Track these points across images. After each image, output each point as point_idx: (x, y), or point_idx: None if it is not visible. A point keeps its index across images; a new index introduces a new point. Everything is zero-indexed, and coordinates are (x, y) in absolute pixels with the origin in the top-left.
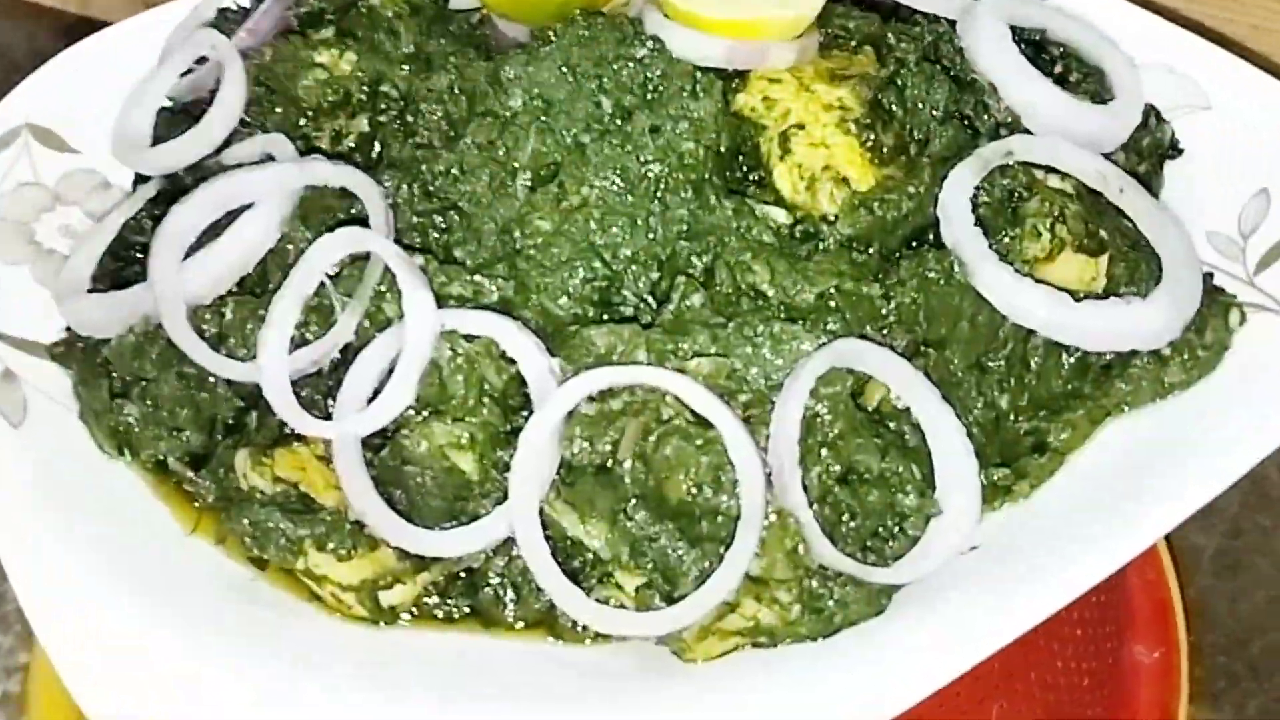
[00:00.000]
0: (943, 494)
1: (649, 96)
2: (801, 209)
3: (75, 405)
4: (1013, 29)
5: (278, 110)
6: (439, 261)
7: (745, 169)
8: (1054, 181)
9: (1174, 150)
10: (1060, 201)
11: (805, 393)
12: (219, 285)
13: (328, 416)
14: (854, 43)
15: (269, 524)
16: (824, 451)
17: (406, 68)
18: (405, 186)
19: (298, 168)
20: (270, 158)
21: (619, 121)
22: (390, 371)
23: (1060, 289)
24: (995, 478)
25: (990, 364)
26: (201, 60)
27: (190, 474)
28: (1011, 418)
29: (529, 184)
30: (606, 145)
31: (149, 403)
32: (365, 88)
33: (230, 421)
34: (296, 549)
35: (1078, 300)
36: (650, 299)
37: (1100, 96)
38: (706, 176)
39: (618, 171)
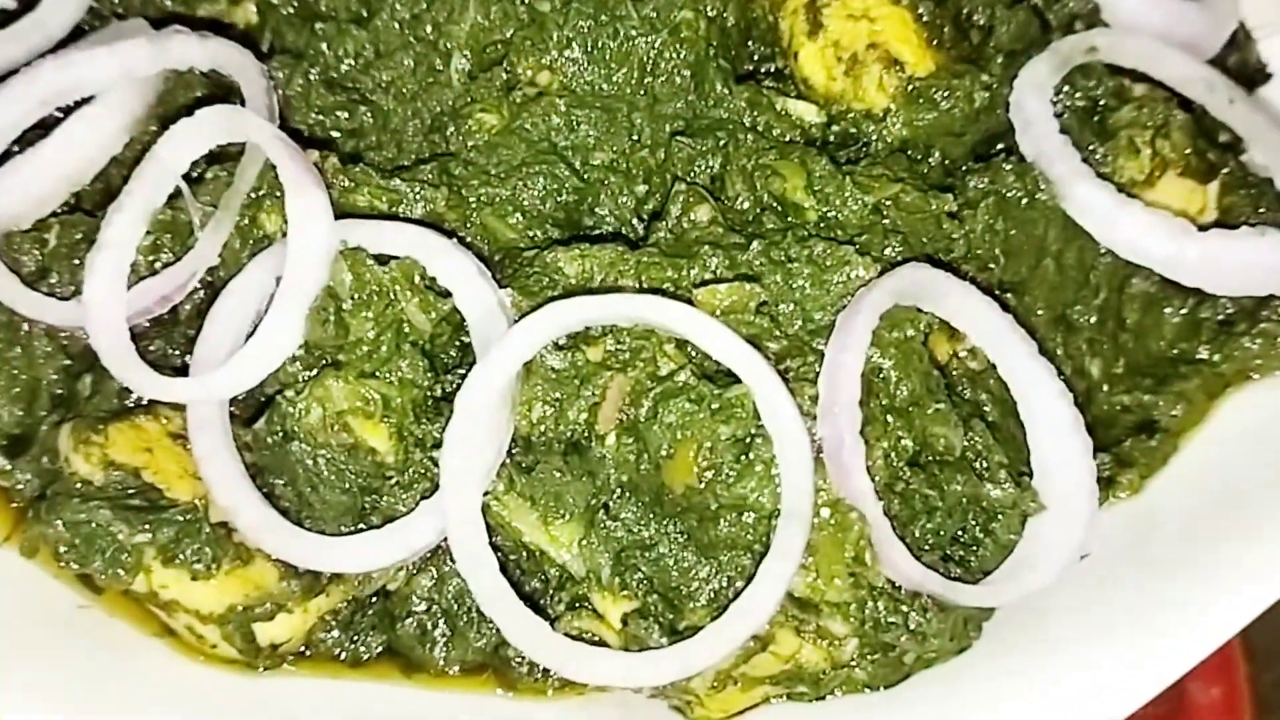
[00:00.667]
0: (1042, 484)
1: None
2: (839, 101)
3: None
4: None
5: None
6: (341, 161)
7: (759, 55)
8: (1141, 90)
9: (1261, 73)
10: (1163, 110)
11: (866, 337)
12: (42, 205)
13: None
14: None
15: (92, 525)
16: (891, 420)
17: None
18: (300, 77)
19: (150, 44)
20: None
21: None
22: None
23: None
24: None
25: (1077, 319)
26: None
27: (6, 466)
28: (1106, 388)
29: (467, 68)
30: (573, 13)
31: None
32: None
33: (59, 391)
34: (133, 562)
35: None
36: (636, 221)
37: None
38: (710, 55)
39: (589, 49)
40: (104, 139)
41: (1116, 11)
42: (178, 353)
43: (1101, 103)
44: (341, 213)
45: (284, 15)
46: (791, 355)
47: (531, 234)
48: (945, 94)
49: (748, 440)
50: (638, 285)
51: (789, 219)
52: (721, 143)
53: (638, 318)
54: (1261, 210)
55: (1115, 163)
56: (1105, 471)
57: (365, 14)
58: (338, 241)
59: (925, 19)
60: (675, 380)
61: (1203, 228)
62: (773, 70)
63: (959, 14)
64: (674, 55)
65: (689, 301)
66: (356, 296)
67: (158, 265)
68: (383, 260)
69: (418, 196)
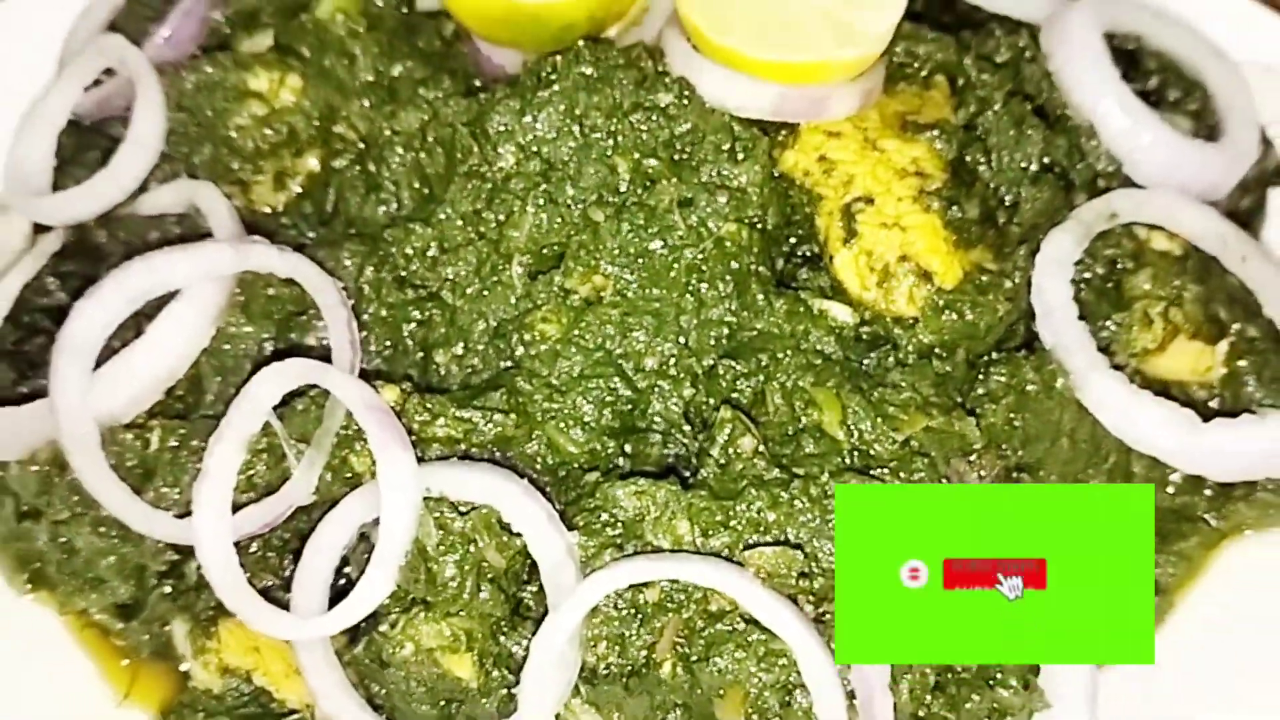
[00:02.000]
0: (1048, 682)
1: (676, 158)
2: (870, 308)
3: None
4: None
5: (205, 148)
6: (418, 391)
7: (794, 243)
8: (1159, 242)
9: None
10: (1175, 279)
11: None
12: (140, 401)
13: (282, 579)
14: (924, 73)
15: None
16: None
17: (365, 101)
18: (372, 269)
19: (233, 251)
20: (196, 211)
21: (640, 191)
22: (360, 538)
23: (1172, 394)
24: None
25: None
26: (109, 71)
27: (119, 626)
28: None
29: (526, 272)
30: (625, 222)
31: (62, 547)
32: (315, 124)
33: (164, 568)
34: None
35: (1204, 412)
36: (686, 426)
37: (1204, 120)
38: (751, 266)
39: (640, 257)
40: (193, 335)
41: (1140, 167)
42: (275, 556)
43: (1118, 263)
44: (423, 442)
45: (348, 179)
46: (829, 596)
47: (591, 447)
48: (972, 307)
49: (789, 688)
50: (690, 528)
51: (822, 444)
52: (763, 363)
53: (693, 577)
54: (1266, 373)
55: (1130, 333)
56: None
57: (427, 193)
58: (422, 493)
59: (954, 223)
60: (726, 623)
61: (1210, 389)
62: (809, 255)
63: (986, 198)
64: (719, 265)
65: (739, 562)
66: (441, 547)
67: (255, 480)
68: (463, 508)
69: (489, 423)
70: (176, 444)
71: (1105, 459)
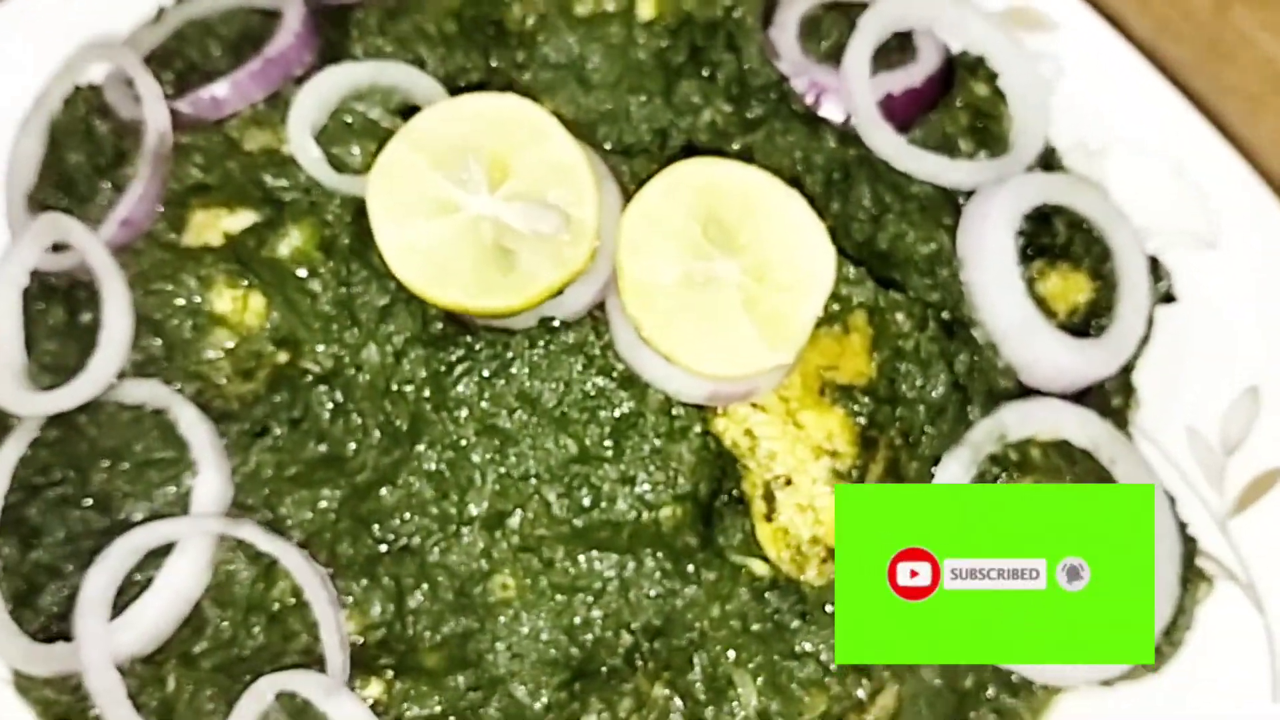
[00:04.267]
0: None
1: (618, 441)
2: (783, 575)
3: None
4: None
5: (177, 376)
6: (397, 675)
7: (727, 495)
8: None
9: (1168, 299)
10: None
11: None
12: (156, 639)
13: None
14: (846, 316)
15: None
16: None
17: (330, 330)
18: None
19: (221, 526)
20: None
21: (585, 467)
22: None
23: None
24: None
25: None
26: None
27: None
28: None
29: (484, 531)
30: (570, 498)
31: None
32: (283, 350)
33: None
34: None
35: None
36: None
37: (1099, 274)
38: (686, 541)
39: (585, 533)
40: (193, 580)
41: (1033, 374)
42: None
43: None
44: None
45: (315, 395)
46: None
47: (549, 701)
48: None
49: None
50: None
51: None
52: (690, 626)
53: None
54: None
55: None
56: None
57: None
58: None
59: None
60: None
61: None
62: (737, 497)
63: (892, 444)
64: (656, 540)
65: None
66: None
67: None
68: None
69: (463, 700)
70: (191, 687)
71: None
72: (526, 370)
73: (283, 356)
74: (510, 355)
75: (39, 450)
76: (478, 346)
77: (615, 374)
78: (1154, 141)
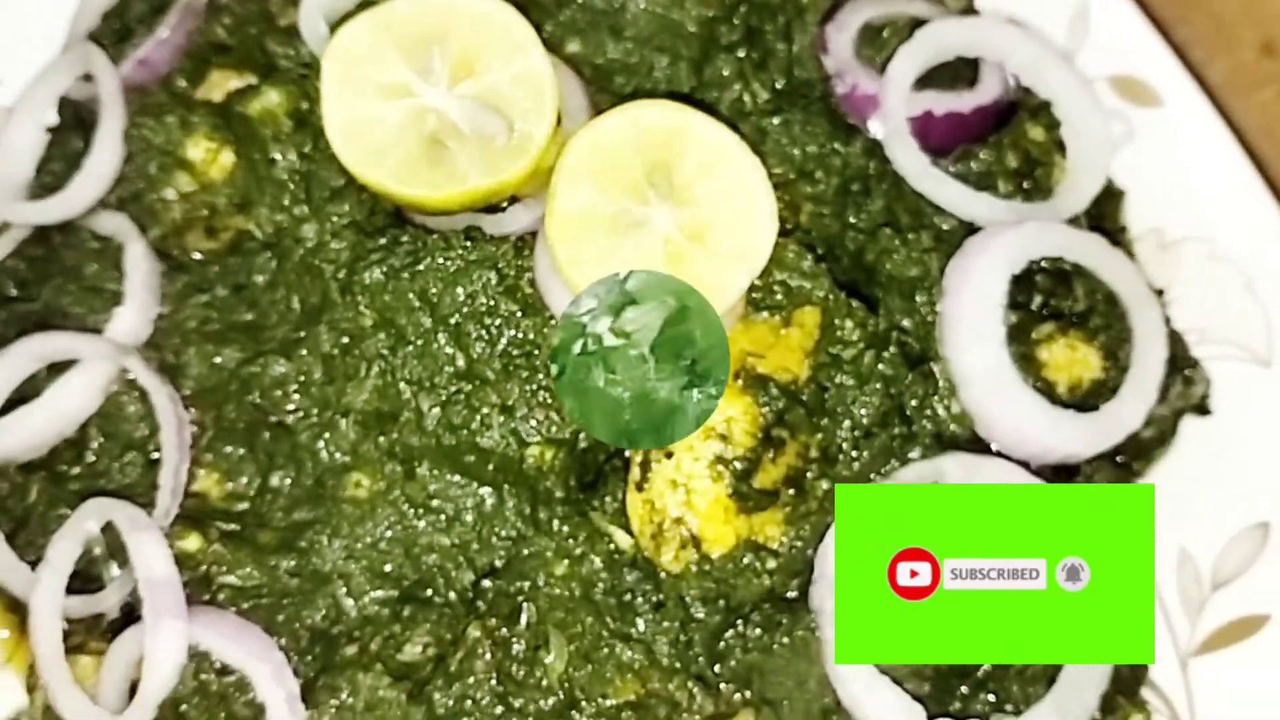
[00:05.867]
0: None
1: (506, 367)
2: (644, 551)
3: None
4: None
5: (138, 203)
6: (223, 538)
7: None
8: None
9: (1202, 410)
10: None
11: None
12: (34, 448)
13: None
14: (793, 311)
15: None
16: None
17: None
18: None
19: (105, 350)
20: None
21: (468, 386)
22: None
23: None
24: None
25: None
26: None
27: None
28: None
29: (360, 425)
30: (447, 413)
31: None
32: (235, 206)
33: None
34: None
35: None
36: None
37: (1113, 355)
38: (548, 487)
39: (452, 453)
40: (85, 403)
41: (992, 430)
42: None
43: None
44: (212, 582)
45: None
46: None
47: (368, 614)
48: (734, 575)
49: None
50: None
51: (543, 682)
52: (529, 577)
53: None
54: None
55: None
56: None
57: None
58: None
59: (742, 494)
60: None
61: None
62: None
63: (804, 450)
64: (521, 482)
65: None
66: (196, 699)
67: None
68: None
69: (278, 583)
70: (50, 499)
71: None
72: (435, 273)
73: (242, 221)
74: (423, 254)
75: (19, 262)
76: (402, 239)
77: (521, 297)
78: (1236, 249)
